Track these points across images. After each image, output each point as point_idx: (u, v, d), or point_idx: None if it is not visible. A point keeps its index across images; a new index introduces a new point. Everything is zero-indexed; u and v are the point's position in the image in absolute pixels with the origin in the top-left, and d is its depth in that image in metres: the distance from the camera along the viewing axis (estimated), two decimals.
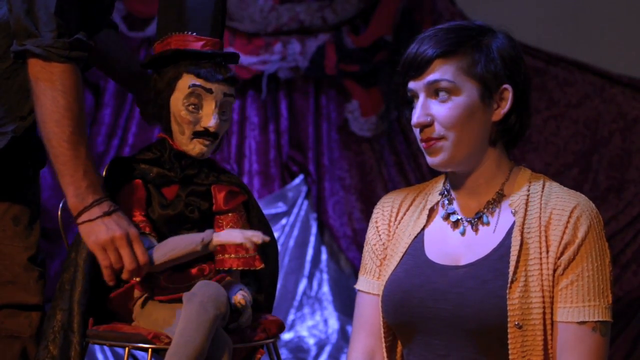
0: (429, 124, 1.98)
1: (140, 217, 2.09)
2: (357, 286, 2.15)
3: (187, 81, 2.08)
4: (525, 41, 4.75)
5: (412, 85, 2.01)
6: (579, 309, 1.93)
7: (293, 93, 5.04)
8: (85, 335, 2.06)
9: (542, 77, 4.91)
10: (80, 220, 2.00)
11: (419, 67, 1.98)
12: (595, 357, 1.93)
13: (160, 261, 2.04)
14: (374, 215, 2.16)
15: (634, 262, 4.83)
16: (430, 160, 2.00)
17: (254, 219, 2.20)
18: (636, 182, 4.88)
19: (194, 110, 2.08)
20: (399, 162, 5.04)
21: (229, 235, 2.05)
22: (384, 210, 2.15)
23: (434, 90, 1.98)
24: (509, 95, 2.01)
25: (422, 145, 2.01)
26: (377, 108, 4.95)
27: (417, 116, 1.98)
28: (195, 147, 2.10)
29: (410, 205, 2.14)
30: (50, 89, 1.98)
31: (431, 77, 1.98)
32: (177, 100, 2.09)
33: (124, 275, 2.01)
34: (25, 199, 2.25)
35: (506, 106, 2.01)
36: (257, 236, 2.03)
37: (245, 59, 4.83)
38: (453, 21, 2.08)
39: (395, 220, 2.13)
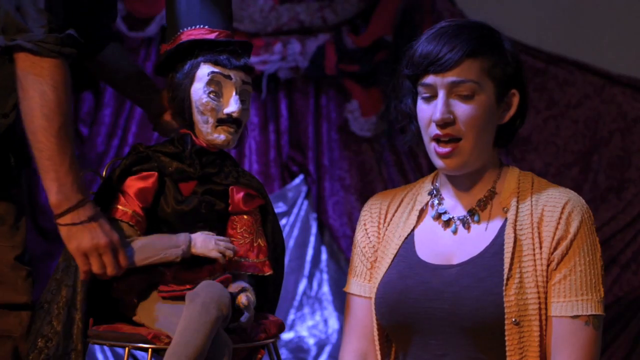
0: (451, 122, 1.95)
1: (137, 208, 2.07)
2: (348, 289, 2.14)
3: (205, 70, 2.09)
4: (525, 41, 4.75)
5: (431, 80, 1.97)
6: (572, 303, 1.94)
7: (293, 93, 5.04)
8: (87, 312, 2.06)
9: (542, 77, 4.90)
10: (62, 221, 1.99)
11: (446, 64, 1.94)
12: (588, 350, 1.94)
13: (138, 264, 2.04)
14: (362, 218, 2.15)
15: (634, 262, 4.83)
16: (443, 163, 1.97)
17: (269, 225, 2.19)
18: (636, 182, 4.87)
19: (215, 98, 2.09)
20: (399, 162, 5.04)
21: (205, 246, 2.05)
22: (372, 212, 2.14)
23: (457, 88, 1.95)
24: (516, 99, 2.02)
25: (433, 145, 1.97)
26: (377, 108, 4.94)
27: (440, 112, 1.94)
28: (220, 136, 2.10)
29: (399, 206, 2.12)
30: (40, 83, 1.98)
31: (458, 75, 1.95)
32: (198, 90, 2.09)
33: (104, 277, 2.02)
34: (9, 197, 2.23)
35: (513, 110, 2.02)
36: (230, 250, 2.05)
37: None
38: (458, 18, 2.07)
39: (384, 222, 2.12)
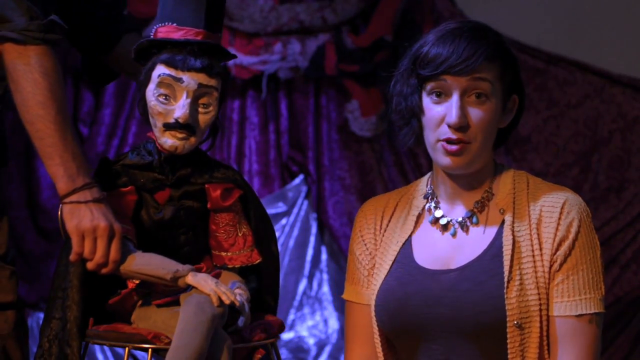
0: (466, 126, 1.95)
1: (126, 221, 2.03)
2: (346, 296, 2.13)
3: (158, 71, 2.02)
4: (525, 41, 4.75)
5: (446, 80, 1.95)
6: (576, 302, 1.95)
7: (293, 93, 5.04)
8: (80, 347, 2.03)
9: (542, 77, 4.90)
10: (68, 199, 1.95)
11: (467, 68, 1.93)
12: (593, 349, 1.96)
13: (130, 269, 1.99)
14: (357, 225, 2.13)
15: (634, 262, 4.83)
16: (451, 160, 1.96)
17: (251, 212, 2.14)
18: (636, 182, 4.88)
19: (164, 101, 2.01)
20: (399, 162, 5.04)
21: (204, 282, 1.96)
22: (367, 219, 2.12)
23: (472, 91, 1.95)
24: (516, 105, 2.03)
25: (443, 145, 1.96)
26: (377, 108, 4.94)
27: (457, 116, 1.93)
28: (167, 141, 2.02)
29: (394, 212, 2.11)
30: (30, 72, 1.96)
31: (477, 78, 1.94)
32: (150, 91, 2.03)
33: (89, 266, 1.97)
34: None
35: (512, 116, 2.03)
36: (227, 296, 1.94)
37: (245, 59, 4.83)
38: (463, 19, 2.07)
39: (380, 228, 2.10)
